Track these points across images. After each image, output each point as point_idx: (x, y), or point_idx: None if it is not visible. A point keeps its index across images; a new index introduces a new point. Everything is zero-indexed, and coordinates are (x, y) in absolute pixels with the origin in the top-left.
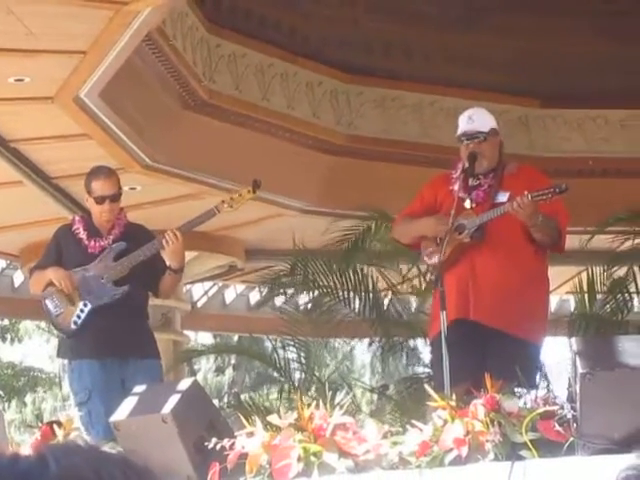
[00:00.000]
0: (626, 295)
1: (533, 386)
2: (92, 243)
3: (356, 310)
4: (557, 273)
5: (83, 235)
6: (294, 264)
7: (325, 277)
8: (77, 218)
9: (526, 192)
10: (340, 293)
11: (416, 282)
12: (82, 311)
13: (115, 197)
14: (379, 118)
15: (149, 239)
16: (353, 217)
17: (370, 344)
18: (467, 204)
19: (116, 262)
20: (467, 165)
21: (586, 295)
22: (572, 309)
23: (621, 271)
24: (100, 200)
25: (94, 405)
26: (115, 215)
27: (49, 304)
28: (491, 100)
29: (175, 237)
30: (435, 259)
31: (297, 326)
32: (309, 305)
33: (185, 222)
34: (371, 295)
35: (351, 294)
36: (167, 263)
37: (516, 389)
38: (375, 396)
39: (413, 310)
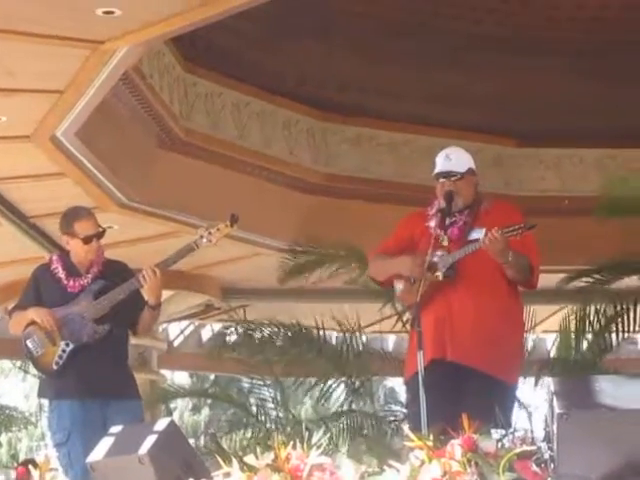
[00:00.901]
0: (607, 335)
1: (509, 426)
2: (71, 282)
3: (328, 350)
4: (533, 312)
5: (62, 274)
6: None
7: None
8: (54, 257)
9: (496, 228)
10: (317, 333)
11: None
12: (64, 351)
13: (101, 235)
14: (355, 156)
15: (128, 275)
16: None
17: (351, 382)
18: (443, 242)
19: (96, 300)
20: (444, 204)
21: (563, 335)
22: (547, 349)
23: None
24: (88, 240)
25: (73, 446)
26: (98, 253)
27: (30, 344)
28: (467, 139)
29: (153, 273)
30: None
31: (271, 366)
32: (282, 345)
33: (164, 259)
34: (336, 335)
35: (322, 333)
36: (145, 299)
37: (493, 430)
38: (352, 435)
39: (390, 349)
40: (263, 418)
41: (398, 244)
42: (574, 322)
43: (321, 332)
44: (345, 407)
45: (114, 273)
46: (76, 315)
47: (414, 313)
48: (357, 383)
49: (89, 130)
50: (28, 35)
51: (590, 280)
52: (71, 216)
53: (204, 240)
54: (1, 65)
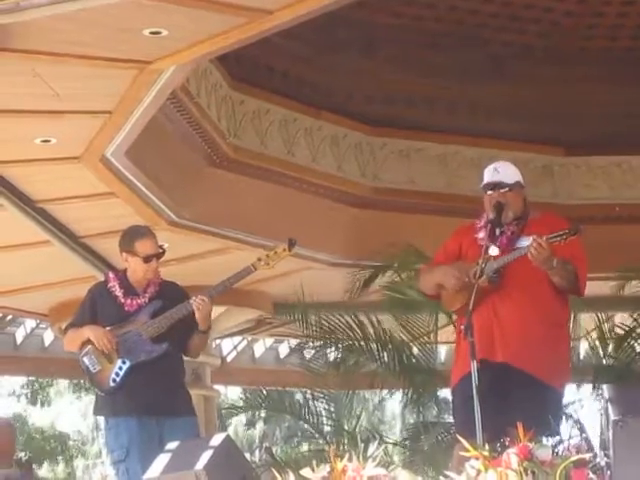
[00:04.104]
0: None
1: (558, 432)
2: (129, 301)
3: (384, 362)
4: (585, 319)
5: (119, 292)
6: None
7: (350, 329)
8: (111, 275)
9: (541, 235)
10: (368, 345)
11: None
12: (120, 368)
13: (160, 255)
14: (403, 169)
15: (183, 297)
16: (380, 268)
17: (405, 394)
18: (492, 251)
19: (154, 320)
20: (493, 216)
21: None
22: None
23: None
24: (148, 259)
25: (131, 463)
26: (157, 273)
27: (87, 361)
28: (515, 149)
29: (203, 302)
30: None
31: (326, 379)
32: (338, 357)
33: (223, 279)
34: (391, 346)
35: (379, 346)
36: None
37: (545, 437)
38: (407, 446)
39: (443, 360)
40: (318, 430)
41: (447, 257)
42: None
43: (374, 344)
44: (399, 418)
45: (170, 294)
46: (134, 333)
47: (467, 322)
48: (411, 395)
49: (138, 150)
50: (76, 57)
51: None
52: (133, 234)
53: (262, 263)
54: (50, 87)
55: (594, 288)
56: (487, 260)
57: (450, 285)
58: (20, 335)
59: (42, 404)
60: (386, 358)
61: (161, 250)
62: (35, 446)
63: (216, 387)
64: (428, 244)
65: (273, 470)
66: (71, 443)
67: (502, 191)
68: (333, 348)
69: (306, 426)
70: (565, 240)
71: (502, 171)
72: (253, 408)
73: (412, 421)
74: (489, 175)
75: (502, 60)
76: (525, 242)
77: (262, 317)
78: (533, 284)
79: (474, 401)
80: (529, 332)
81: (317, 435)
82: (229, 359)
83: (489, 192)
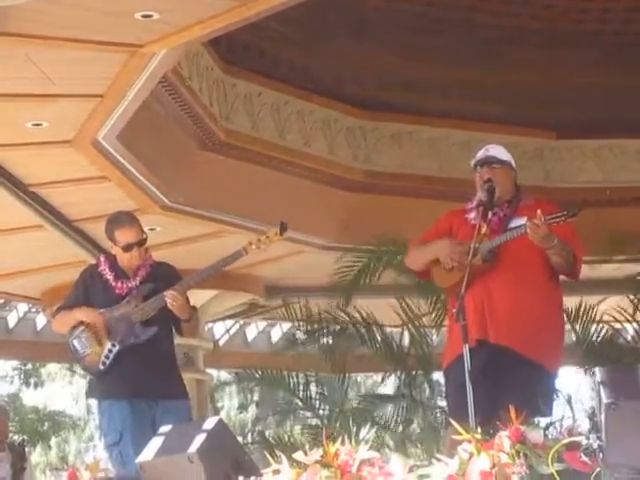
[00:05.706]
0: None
1: (550, 415)
2: (119, 284)
3: (377, 345)
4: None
5: (110, 276)
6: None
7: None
8: (102, 259)
9: (539, 211)
10: (360, 329)
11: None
12: (110, 351)
13: (142, 242)
14: (395, 153)
15: (176, 278)
16: (372, 252)
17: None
18: (484, 231)
19: (144, 303)
20: (485, 197)
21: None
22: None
23: None
24: (128, 248)
25: (125, 446)
26: (143, 258)
27: (76, 344)
28: (507, 133)
29: (173, 297)
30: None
31: (319, 363)
32: (330, 341)
33: (214, 262)
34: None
35: (372, 329)
36: None
37: (537, 419)
38: (399, 430)
39: (435, 343)
40: (311, 412)
41: (439, 235)
42: None
43: (365, 327)
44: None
45: (162, 276)
46: (124, 317)
47: (459, 305)
48: (404, 377)
49: (130, 133)
50: (67, 41)
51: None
52: (112, 223)
53: (253, 246)
54: (41, 71)
55: (584, 271)
56: (481, 240)
57: (452, 257)
58: (12, 319)
59: (35, 386)
60: (375, 341)
61: (144, 236)
62: (28, 428)
63: (208, 371)
64: (419, 227)
65: (266, 453)
66: (64, 423)
67: (492, 167)
68: (325, 332)
69: (300, 407)
70: (563, 221)
71: (492, 150)
72: (245, 381)
73: (404, 404)
74: (480, 153)
75: (494, 43)
76: (518, 223)
77: (254, 301)
78: (527, 265)
79: (467, 384)
80: (521, 313)
81: (310, 417)
82: (221, 343)
83: (479, 169)
